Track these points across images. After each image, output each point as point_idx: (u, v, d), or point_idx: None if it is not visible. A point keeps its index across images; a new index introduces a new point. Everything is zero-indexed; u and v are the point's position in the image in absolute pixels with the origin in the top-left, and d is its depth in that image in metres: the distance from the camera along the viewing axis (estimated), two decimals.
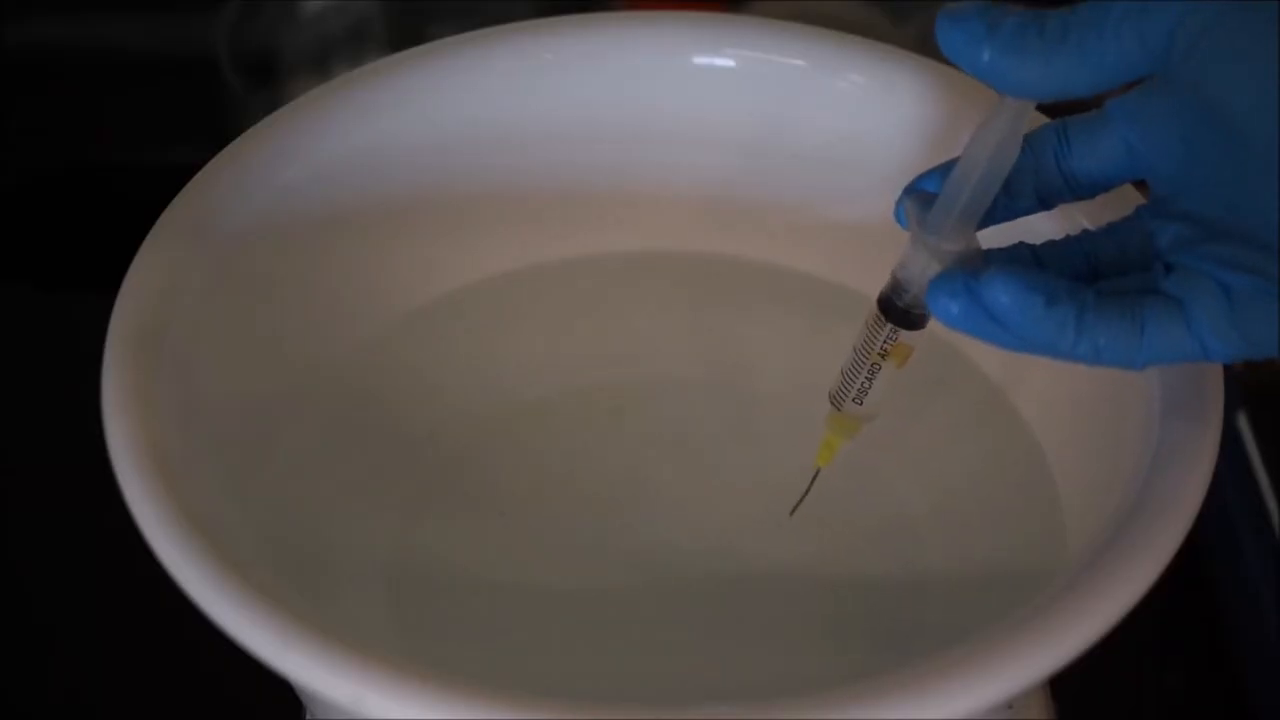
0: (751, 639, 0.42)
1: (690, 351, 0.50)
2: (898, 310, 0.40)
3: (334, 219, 0.47)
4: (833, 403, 0.41)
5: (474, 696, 0.32)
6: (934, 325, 0.44)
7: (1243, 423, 0.58)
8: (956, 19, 0.34)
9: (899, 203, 0.38)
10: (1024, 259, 0.37)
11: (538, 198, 0.50)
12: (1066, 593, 0.34)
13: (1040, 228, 0.40)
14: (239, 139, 0.45)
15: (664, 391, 0.49)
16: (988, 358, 0.47)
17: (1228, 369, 0.40)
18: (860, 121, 0.48)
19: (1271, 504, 0.56)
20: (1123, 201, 0.39)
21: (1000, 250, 0.38)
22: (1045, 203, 0.38)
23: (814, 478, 0.43)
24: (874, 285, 0.50)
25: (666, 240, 0.52)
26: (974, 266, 0.35)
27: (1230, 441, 0.57)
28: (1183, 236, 0.35)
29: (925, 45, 0.72)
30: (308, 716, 0.46)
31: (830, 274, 0.50)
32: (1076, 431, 0.43)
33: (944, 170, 0.38)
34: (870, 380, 0.40)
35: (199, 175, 0.44)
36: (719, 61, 0.49)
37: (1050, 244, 0.38)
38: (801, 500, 0.43)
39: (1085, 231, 0.38)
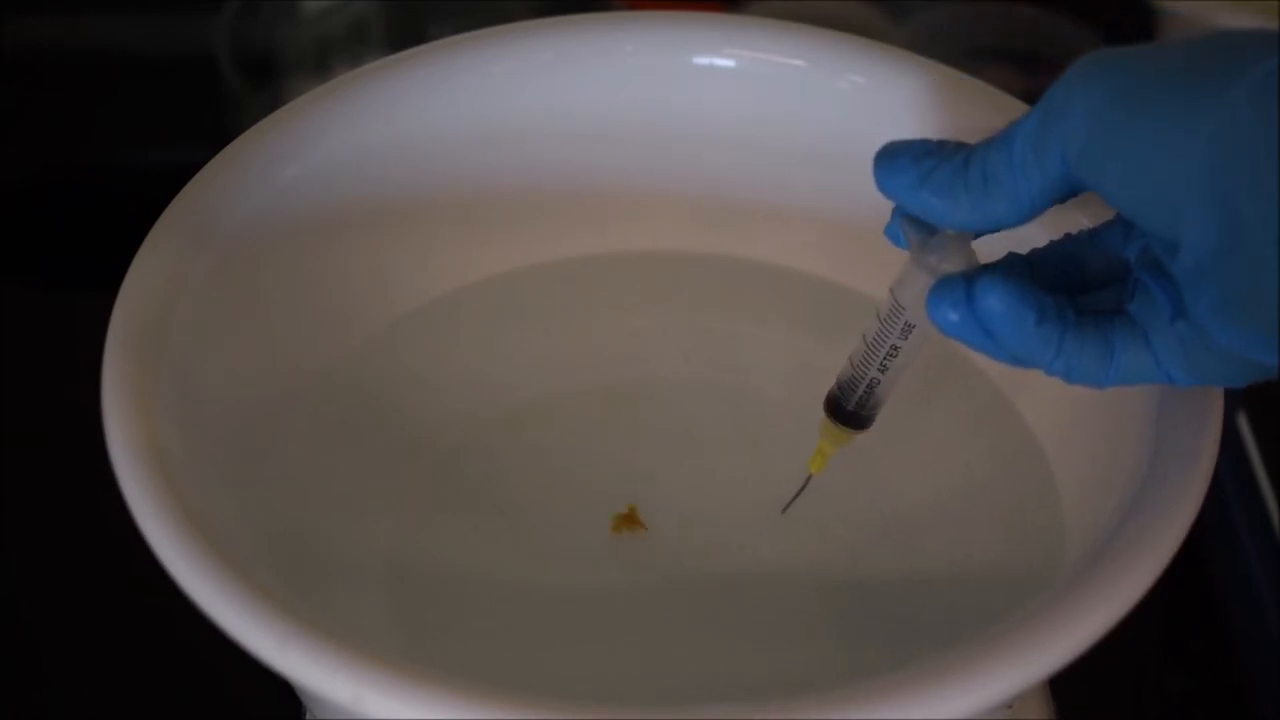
0: (751, 639, 0.42)
1: (690, 351, 0.50)
2: (846, 413, 0.41)
3: (334, 219, 0.47)
4: (827, 411, 0.41)
5: (474, 696, 0.32)
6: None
7: (1243, 423, 0.58)
8: (892, 168, 0.37)
9: (892, 223, 0.38)
10: (1020, 273, 0.38)
11: (537, 198, 0.50)
12: (1066, 593, 0.34)
13: (1033, 237, 0.40)
14: (239, 139, 0.45)
15: (663, 391, 0.49)
16: (990, 359, 0.47)
17: None
18: (860, 121, 0.48)
19: (1271, 504, 0.56)
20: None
21: (997, 263, 0.38)
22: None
23: (805, 482, 0.43)
24: (872, 284, 0.50)
25: (666, 240, 0.52)
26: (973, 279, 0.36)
27: (1230, 441, 0.57)
28: (1147, 254, 0.36)
29: (925, 45, 0.73)
30: (308, 716, 0.46)
31: (829, 273, 0.51)
32: (1077, 431, 0.43)
33: None
34: (869, 393, 0.41)
35: (199, 175, 0.44)
36: (719, 61, 0.49)
37: (1041, 253, 0.38)
38: (792, 502, 0.43)
39: (1069, 236, 0.38)
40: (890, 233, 0.38)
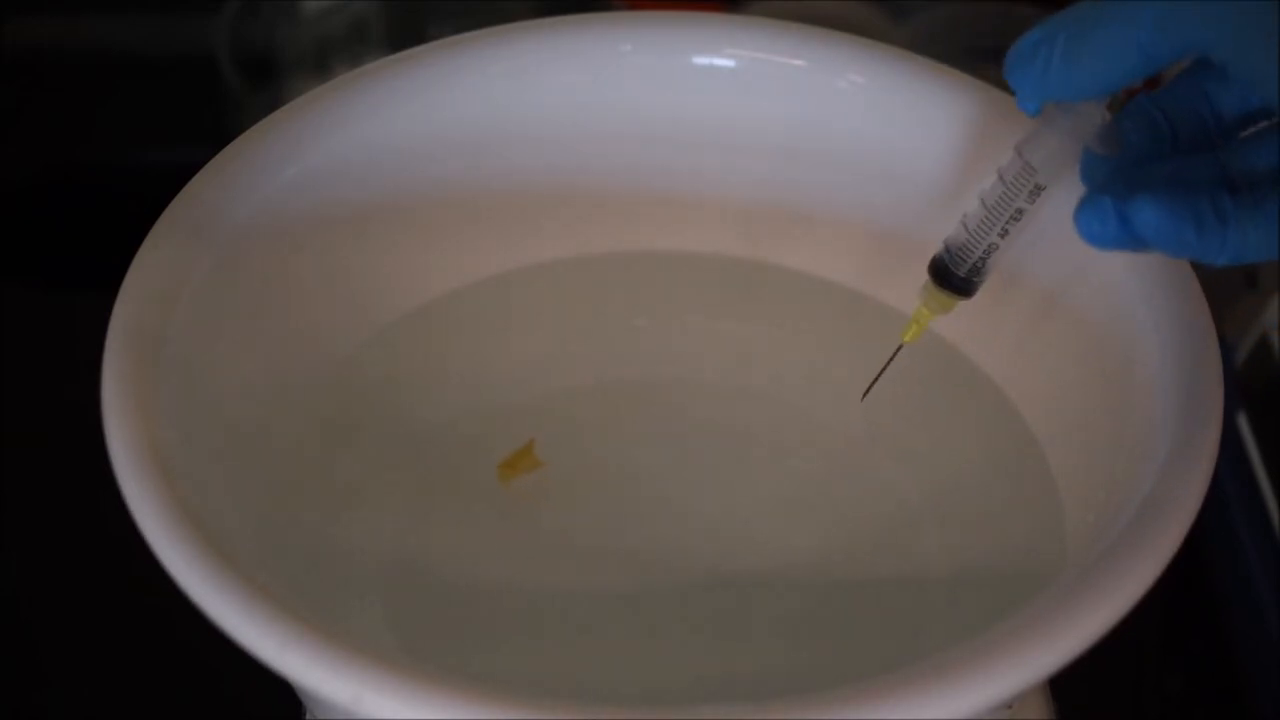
0: (751, 639, 0.42)
1: (690, 351, 0.50)
2: (955, 279, 0.39)
3: (334, 219, 0.47)
4: (934, 274, 0.41)
5: (474, 696, 0.32)
6: (938, 326, 0.44)
7: (1243, 423, 0.58)
8: (1014, 78, 0.36)
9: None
10: (1157, 126, 0.37)
11: (536, 198, 0.50)
12: (1066, 593, 0.34)
13: None
14: (239, 139, 0.45)
15: (665, 391, 0.49)
16: (990, 358, 0.47)
17: (1228, 369, 0.39)
18: (859, 121, 0.48)
19: (1271, 504, 0.56)
20: None
21: (1129, 115, 0.37)
22: None
23: (895, 352, 0.42)
24: (869, 280, 0.50)
25: (665, 240, 0.52)
26: (1108, 144, 0.36)
27: (1230, 441, 0.57)
28: None
29: (925, 45, 0.73)
30: (308, 716, 0.46)
31: (827, 271, 0.50)
32: (1077, 432, 0.43)
33: None
34: (985, 258, 0.40)
35: (199, 175, 0.44)
36: (719, 61, 0.49)
37: (1170, 94, 0.37)
38: (874, 382, 0.42)
39: (1197, 65, 0.37)
40: (1023, 104, 0.38)
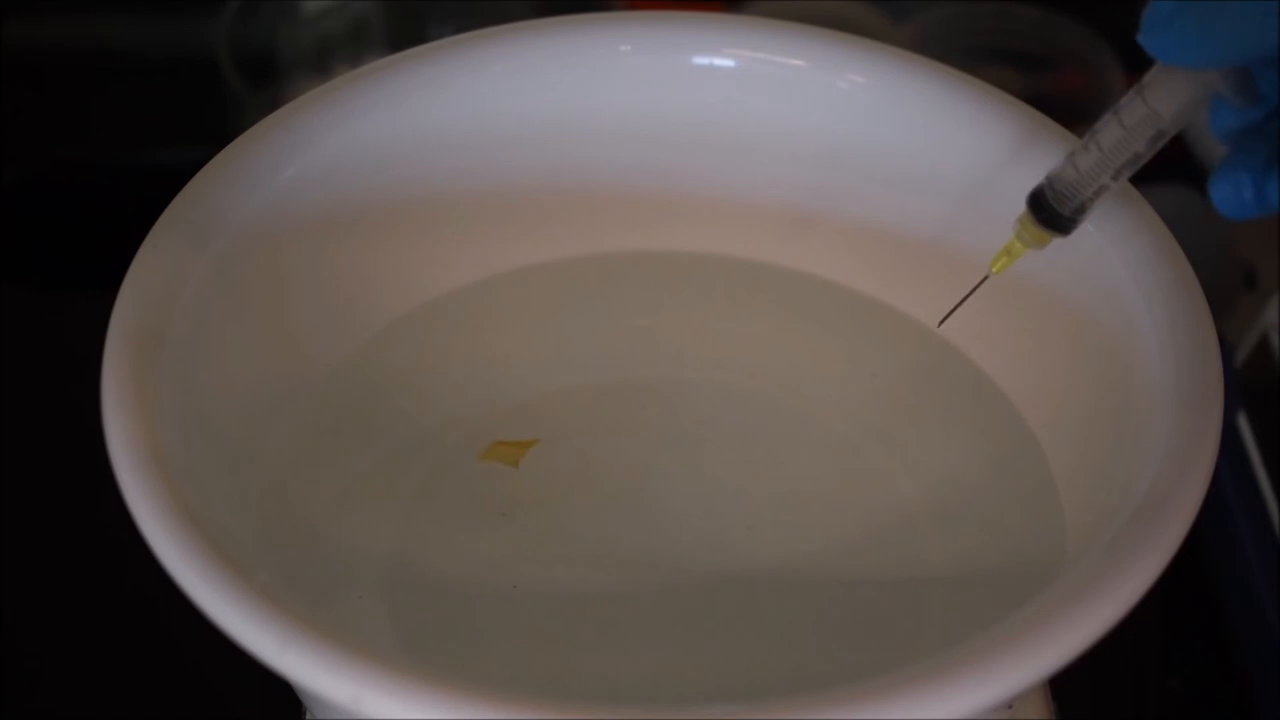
0: (751, 639, 0.42)
1: (690, 351, 0.50)
2: (1058, 218, 0.39)
3: (334, 219, 0.47)
4: (1034, 208, 0.40)
5: (474, 696, 0.32)
6: (934, 324, 0.44)
7: (1243, 423, 0.58)
8: (1147, 40, 0.35)
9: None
10: None
11: (536, 198, 0.50)
12: (1066, 593, 0.34)
13: None
14: (239, 139, 0.45)
15: (667, 391, 0.49)
16: (991, 359, 0.47)
17: (1228, 369, 0.39)
18: (859, 121, 0.48)
19: (1271, 504, 0.56)
20: None
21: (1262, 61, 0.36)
22: None
23: (980, 282, 0.42)
24: (869, 280, 0.50)
25: (665, 240, 0.52)
26: (1241, 93, 0.35)
27: (1230, 441, 0.57)
28: None
29: (925, 45, 0.73)
30: (308, 716, 0.46)
31: (826, 271, 0.51)
32: (1076, 431, 0.43)
33: None
34: (1094, 199, 0.39)
35: (199, 175, 0.44)
36: (719, 61, 0.49)
37: None
38: (955, 309, 0.42)
39: None
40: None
